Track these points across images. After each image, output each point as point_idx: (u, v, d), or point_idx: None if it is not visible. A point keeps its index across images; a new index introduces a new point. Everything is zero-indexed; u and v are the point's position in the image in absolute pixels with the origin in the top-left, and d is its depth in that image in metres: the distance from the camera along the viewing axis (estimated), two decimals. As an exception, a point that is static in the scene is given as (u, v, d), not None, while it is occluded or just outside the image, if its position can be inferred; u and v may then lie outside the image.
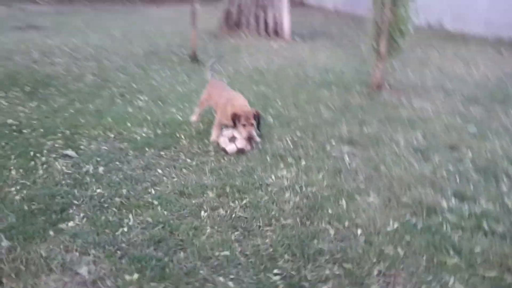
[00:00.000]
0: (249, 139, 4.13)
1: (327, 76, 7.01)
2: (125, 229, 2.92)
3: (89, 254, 2.67)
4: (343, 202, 3.33)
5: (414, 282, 2.57)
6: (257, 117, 4.13)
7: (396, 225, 3.07)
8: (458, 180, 3.73)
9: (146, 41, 9.49)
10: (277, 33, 10.50)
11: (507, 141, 4.56)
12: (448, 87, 6.51)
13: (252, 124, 4.06)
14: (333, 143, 4.41)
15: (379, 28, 6.07)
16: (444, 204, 3.35)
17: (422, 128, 4.87)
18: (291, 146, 4.31)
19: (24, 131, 4.37)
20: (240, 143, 4.09)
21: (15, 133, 4.31)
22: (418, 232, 3.01)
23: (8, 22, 11.33)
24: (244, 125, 4.04)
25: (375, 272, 2.63)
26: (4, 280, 2.42)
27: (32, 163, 3.73)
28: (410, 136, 4.63)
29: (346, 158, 4.08)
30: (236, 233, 2.95)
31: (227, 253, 2.74)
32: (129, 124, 4.67)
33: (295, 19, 13.34)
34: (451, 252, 2.81)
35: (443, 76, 7.21)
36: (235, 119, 4.07)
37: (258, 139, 4.33)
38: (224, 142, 4.12)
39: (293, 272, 2.62)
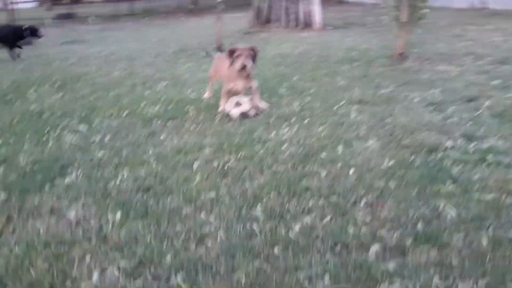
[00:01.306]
0: (255, 107, 4.15)
1: (351, 54, 6.87)
2: (117, 182, 2.99)
3: (79, 201, 2.76)
4: (339, 148, 3.24)
5: (401, 208, 2.44)
6: (252, 52, 4.17)
7: (391, 163, 2.94)
8: (469, 124, 3.52)
9: (178, 43, 9.76)
10: (308, 24, 10.45)
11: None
12: (479, 52, 6.19)
13: (247, 56, 4.09)
14: (342, 104, 4.30)
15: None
16: (448, 143, 3.18)
17: (441, 86, 4.65)
18: (298, 109, 4.25)
19: (44, 114, 4.61)
20: (244, 107, 4.09)
21: (35, 117, 4.55)
22: (414, 167, 2.86)
23: (58, 39, 12.07)
24: (239, 56, 4.08)
25: (362, 203, 2.53)
26: (-4, 224, 2.55)
27: (44, 138, 3.92)
28: (427, 94, 4.44)
29: (352, 114, 3.97)
30: (225, 180, 2.94)
31: (212, 195, 2.74)
32: (142, 104, 4.80)
33: (331, 15, 13.26)
34: (447, 182, 2.64)
35: (476, 44, 6.87)
36: (231, 54, 4.14)
37: (265, 105, 4.32)
38: (228, 106, 4.14)
39: (276, 208, 2.57)
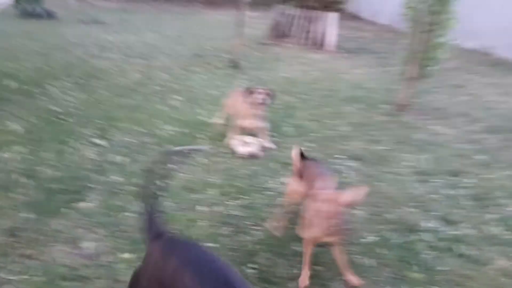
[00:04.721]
0: (262, 146, 4.54)
1: (356, 93, 7.22)
2: (128, 214, 3.36)
3: (93, 232, 3.13)
4: (329, 212, 3.62)
5: (373, 289, 2.85)
6: (271, 93, 4.67)
7: (371, 239, 3.33)
8: (447, 205, 3.90)
9: (195, 44, 10.07)
10: (322, 45, 10.77)
11: (510, 172, 4.63)
12: (473, 114, 6.52)
13: (266, 94, 4.59)
14: (340, 157, 4.68)
15: (412, 52, 6.20)
16: (425, 225, 3.56)
17: (432, 152, 5.01)
18: (298, 156, 4.62)
19: (67, 119, 4.96)
20: (253, 148, 4.46)
21: (56, 119, 4.90)
22: (391, 247, 3.26)
23: (76, 15, 12.32)
24: (259, 93, 4.56)
25: (340, 278, 2.93)
26: (17, 246, 2.92)
27: (65, 147, 4.29)
28: (417, 158, 4.81)
29: (346, 173, 4.35)
30: (224, 228, 3.32)
31: (212, 244, 3.12)
32: (157, 122, 5.15)
33: (344, 32, 13.52)
34: (415, 268, 3.05)
35: (473, 103, 7.19)
36: (250, 93, 4.60)
37: (272, 146, 4.70)
38: (237, 144, 4.51)
39: (265, 268, 2.96)
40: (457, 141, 5.43)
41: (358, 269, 2.98)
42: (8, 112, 4.96)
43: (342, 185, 4.03)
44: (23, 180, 3.63)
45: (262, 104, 4.56)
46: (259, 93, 4.54)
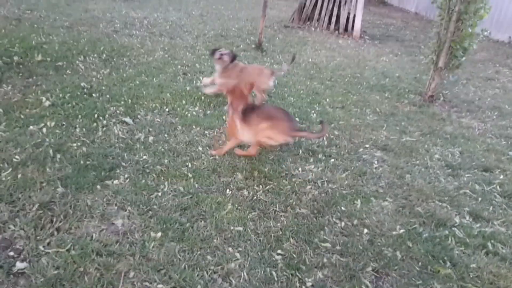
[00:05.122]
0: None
1: (383, 81, 7.10)
2: (159, 194, 3.36)
3: (125, 210, 3.14)
4: (358, 202, 3.58)
5: (403, 283, 2.81)
6: (229, 54, 5.36)
7: (402, 231, 3.28)
8: (479, 201, 3.83)
9: (219, 24, 9.97)
10: (347, 30, 10.59)
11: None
12: (505, 109, 6.39)
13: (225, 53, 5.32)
14: (367, 146, 4.61)
15: (441, 42, 6.06)
16: (456, 220, 3.50)
17: (462, 145, 4.92)
18: (325, 144, 4.56)
19: (93, 95, 4.95)
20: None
21: (85, 96, 4.90)
22: (421, 241, 3.20)
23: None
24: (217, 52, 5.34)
25: (369, 268, 2.89)
26: (54, 219, 2.94)
27: (95, 124, 4.28)
28: (447, 152, 4.72)
29: (375, 163, 4.28)
30: (253, 213, 3.30)
31: (240, 228, 3.11)
32: (184, 102, 5.12)
33: (371, 18, 13.33)
34: (448, 263, 3.00)
35: (504, 96, 7.05)
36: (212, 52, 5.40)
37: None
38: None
39: (294, 255, 2.94)
40: (489, 135, 5.32)
41: (387, 261, 2.95)
42: (40, 87, 4.96)
43: (372, 175, 4.00)
44: (58, 155, 3.63)
45: (220, 59, 5.26)
46: (220, 52, 5.28)
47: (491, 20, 11.89)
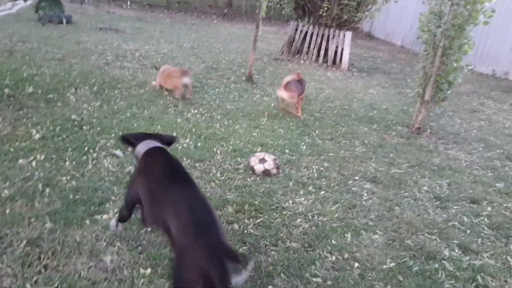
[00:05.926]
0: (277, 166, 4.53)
1: (371, 113, 7.20)
2: (149, 229, 3.34)
3: (114, 246, 3.11)
4: (348, 235, 3.59)
5: (393, 319, 2.80)
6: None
7: (392, 265, 3.29)
8: (467, 233, 3.86)
9: (210, 56, 10.11)
10: (335, 63, 10.79)
11: (532, 202, 4.59)
12: (490, 141, 6.50)
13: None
14: (357, 178, 4.65)
15: (427, 76, 6.20)
16: (446, 252, 3.51)
17: (449, 177, 4.98)
18: (316, 175, 4.60)
19: (84, 127, 4.96)
20: (268, 165, 4.44)
21: (76, 128, 4.91)
22: (411, 274, 3.21)
23: (93, 22, 12.43)
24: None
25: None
26: (41, 256, 2.90)
27: (84, 157, 4.28)
28: (435, 184, 4.77)
29: (365, 195, 4.32)
30: (243, 247, 3.29)
31: (231, 263, 3.09)
32: (174, 134, 5.15)
33: (358, 51, 13.60)
34: (437, 299, 3.00)
35: (489, 128, 7.18)
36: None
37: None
38: (253, 161, 4.49)
39: (285, 292, 2.92)
40: (475, 167, 5.39)
41: (379, 296, 2.94)
42: (31, 119, 4.97)
43: (362, 208, 4.02)
44: (47, 189, 3.61)
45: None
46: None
47: (475, 54, 12.19)
